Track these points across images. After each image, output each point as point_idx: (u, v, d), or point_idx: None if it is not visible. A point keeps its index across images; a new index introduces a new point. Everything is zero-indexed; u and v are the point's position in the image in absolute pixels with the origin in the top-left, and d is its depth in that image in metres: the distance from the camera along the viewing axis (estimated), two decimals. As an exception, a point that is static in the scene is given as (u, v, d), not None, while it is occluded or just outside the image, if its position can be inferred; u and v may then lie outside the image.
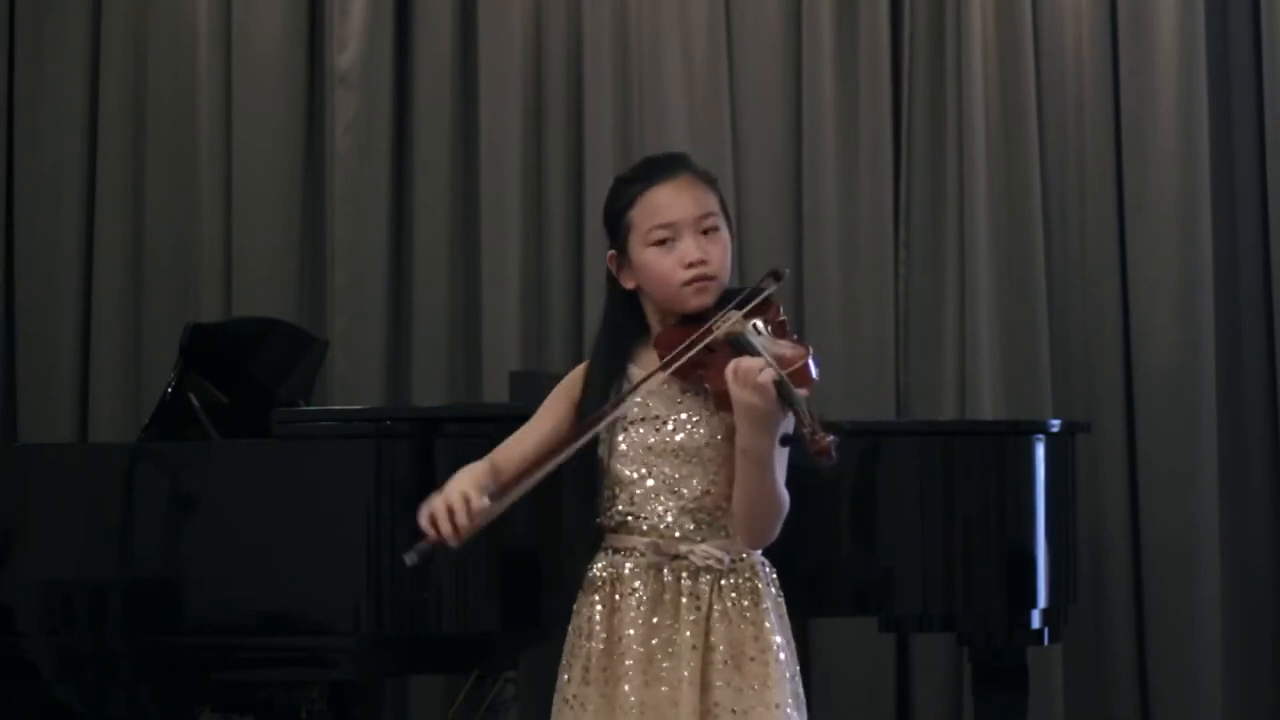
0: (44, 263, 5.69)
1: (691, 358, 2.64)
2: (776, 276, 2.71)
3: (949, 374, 5.42)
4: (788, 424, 2.57)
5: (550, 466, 2.68)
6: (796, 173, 5.53)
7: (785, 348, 2.63)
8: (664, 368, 2.65)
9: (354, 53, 5.61)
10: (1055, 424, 4.35)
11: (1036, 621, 4.17)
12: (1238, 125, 5.45)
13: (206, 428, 4.17)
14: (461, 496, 2.63)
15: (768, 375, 2.53)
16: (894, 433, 4.27)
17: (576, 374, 2.80)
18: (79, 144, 5.72)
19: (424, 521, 2.63)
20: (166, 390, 4.20)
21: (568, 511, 3.72)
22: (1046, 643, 4.30)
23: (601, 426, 2.68)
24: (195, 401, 4.20)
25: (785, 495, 2.67)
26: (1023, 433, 4.23)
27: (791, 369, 2.57)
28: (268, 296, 5.54)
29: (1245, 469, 5.39)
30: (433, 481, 3.71)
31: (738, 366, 2.55)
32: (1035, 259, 5.41)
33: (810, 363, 2.62)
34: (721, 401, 2.63)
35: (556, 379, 2.83)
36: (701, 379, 2.66)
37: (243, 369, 4.53)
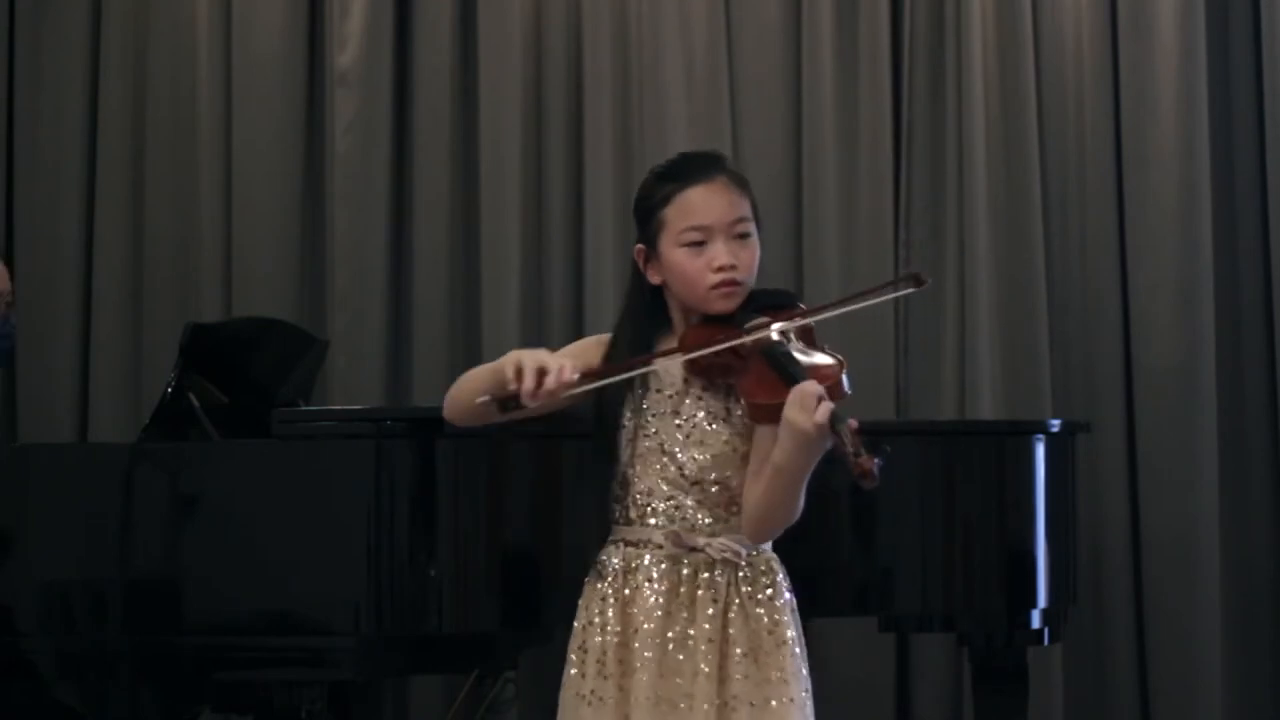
0: (44, 263, 5.68)
1: (722, 362, 2.66)
2: (918, 281, 2.75)
3: (949, 374, 5.42)
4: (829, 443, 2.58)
5: (604, 382, 2.70)
6: (796, 172, 5.53)
7: (820, 360, 2.66)
8: (705, 345, 2.66)
9: (354, 53, 5.61)
10: (1055, 424, 4.35)
11: (1036, 621, 4.17)
12: (1238, 125, 5.45)
13: (206, 428, 4.17)
14: (559, 362, 2.63)
15: (825, 411, 2.53)
16: (894, 433, 4.27)
17: (594, 344, 2.83)
18: (79, 144, 5.72)
19: (510, 371, 2.62)
20: (166, 390, 4.20)
21: (572, 501, 3.74)
22: (1046, 643, 4.31)
23: (637, 373, 2.71)
24: (195, 401, 4.20)
25: (801, 507, 2.69)
26: (1023, 433, 4.23)
27: (827, 383, 2.59)
28: (268, 296, 5.54)
29: (1245, 469, 5.38)
30: (433, 482, 3.74)
31: (802, 394, 2.55)
32: (1035, 259, 5.41)
33: (844, 377, 2.64)
34: (756, 412, 2.66)
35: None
36: (734, 387, 2.68)
37: (243, 369, 4.53)
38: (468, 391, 2.76)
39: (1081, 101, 5.49)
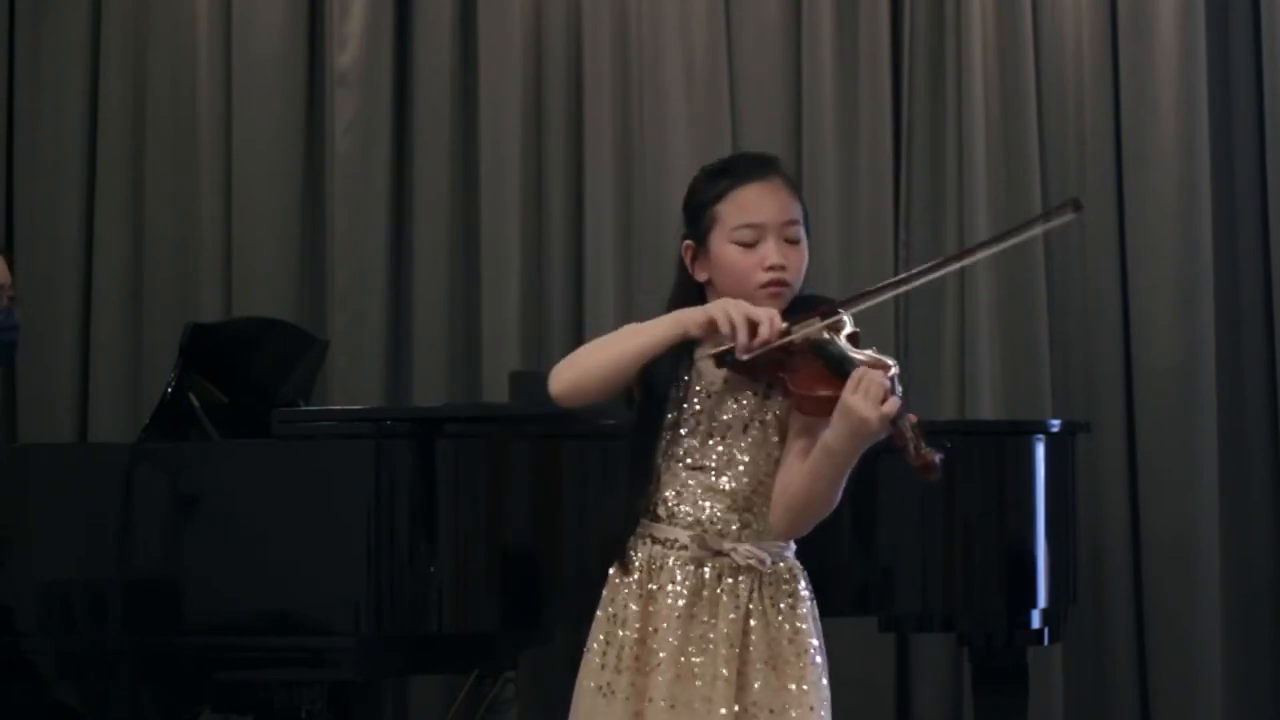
0: (44, 263, 5.69)
1: (770, 358, 2.65)
2: (1076, 206, 2.70)
3: (949, 374, 5.42)
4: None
5: (805, 332, 2.67)
6: (796, 172, 5.52)
7: (871, 359, 2.65)
8: (786, 334, 2.65)
9: (354, 53, 5.61)
10: (1055, 424, 4.35)
11: (1036, 621, 4.17)
12: (1238, 125, 5.45)
13: (206, 428, 4.17)
14: (766, 312, 2.62)
15: (894, 404, 2.54)
16: (894, 432, 4.27)
17: None
18: (79, 144, 5.72)
19: (725, 327, 2.60)
20: (166, 390, 4.20)
21: (572, 501, 3.73)
22: (1046, 643, 4.30)
23: (827, 322, 2.69)
24: (195, 401, 4.20)
25: (839, 498, 2.69)
26: (1023, 433, 4.23)
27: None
28: (268, 296, 5.54)
29: (1245, 469, 5.38)
30: (433, 482, 3.73)
31: (865, 379, 2.56)
32: (1035, 259, 5.40)
33: (895, 378, 2.64)
34: (807, 404, 2.65)
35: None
36: (784, 381, 2.67)
37: (243, 369, 4.53)
38: (635, 346, 2.68)
39: (1081, 101, 5.49)
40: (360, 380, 5.50)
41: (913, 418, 2.56)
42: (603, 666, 2.73)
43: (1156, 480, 5.33)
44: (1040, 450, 4.19)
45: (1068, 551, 4.26)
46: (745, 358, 2.61)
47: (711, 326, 2.62)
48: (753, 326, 2.60)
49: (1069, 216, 2.73)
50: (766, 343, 2.60)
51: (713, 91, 5.56)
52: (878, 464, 3.99)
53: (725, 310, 2.61)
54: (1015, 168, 5.45)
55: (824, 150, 5.50)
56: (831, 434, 2.61)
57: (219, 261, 5.63)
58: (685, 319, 2.66)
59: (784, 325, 2.62)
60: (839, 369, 2.62)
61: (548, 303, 5.57)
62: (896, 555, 4.02)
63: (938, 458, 2.51)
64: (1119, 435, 5.37)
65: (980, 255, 2.89)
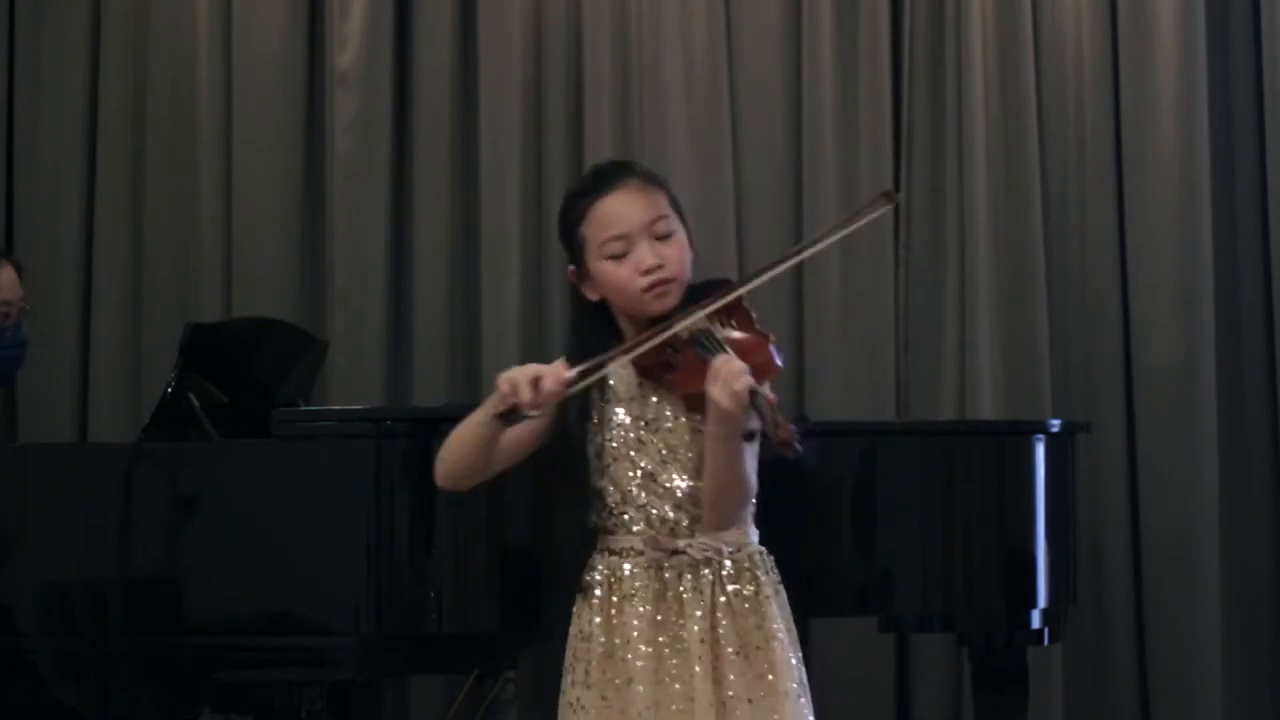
0: (44, 263, 5.68)
1: (660, 359, 2.67)
2: (889, 198, 2.75)
3: (949, 374, 5.42)
4: (754, 420, 2.59)
5: (598, 375, 2.70)
6: (796, 173, 5.53)
7: (747, 341, 2.66)
8: (626, 352, 2.68)
9: (354, 53, 5.62)
10: (1055, 424, 4.35)
11: (1036, 621, 4.17)
12: (1238, 125, 5.45)
13: (206, 428, 4.18)
14: (550, 367, 2.66)
15: (744, 383, 2.54)
16: (894, 433, 4.27)
17: (559, 363, 2.81)
18: (79, 144, 5.72)
19: (506, 388, 2.62)
20: (166, 390, 4.20)
21: (563, 514, 3.73)
22: (1046, 643, 4.30)
23: (621, 359, 2.70)
24: (195, 401, 4.21)
25: (752, 481, 2.71)
26: (1023, 433, 4.23)
27: (755, 359, 2.61)
28: (268, 296, 5.55)
29: (1245, 469, 5.38)
30: (433, 481, 3.73)
31: (723, 369, 2.57)
32: (1035, 259, 5.41)
33: (772, 350, 2.66)
34: (692, 402, 2.67)
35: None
36: (670, 382, 2.69)
37: (243, 369, 4.53)
38: (467, 435, 2.75)
39: (1081, 101, 5.49)
40: (360, 380, 5.50)
41: (771, 397, 2.55)
42: (573, 684, 2.74)
43: (1156, 480, 5.33)
44: (1040, 450, 4.18)
45: (1068, 551, 4.26)
46: (534, 413, 2.64)
47: (507, 397, 2.63)
48: (535, 382, 2.62)
49: (882, 209, 2.83)
50: (553, 395, 2.63)
51: (713, 91, 5.56)
52: (877, 464, 4.02)
53: (509, 379, 2.63)
54: (1015, 168, 5.45)
55: (824, 150, 5.50)
56: (708, 422, 2.63)
57: (219, 261, 5.63)
58: (488, 405, 2.68)
59: (570, 375, 2.65)
60: (713, 359, 2.63)
61: (548, 303, 5.57)
62: (896, 555, 4.02)
63: (794, 432, 2.50)
64: (1119, 435, 5.37)
65: (813, 249, 2.93)
